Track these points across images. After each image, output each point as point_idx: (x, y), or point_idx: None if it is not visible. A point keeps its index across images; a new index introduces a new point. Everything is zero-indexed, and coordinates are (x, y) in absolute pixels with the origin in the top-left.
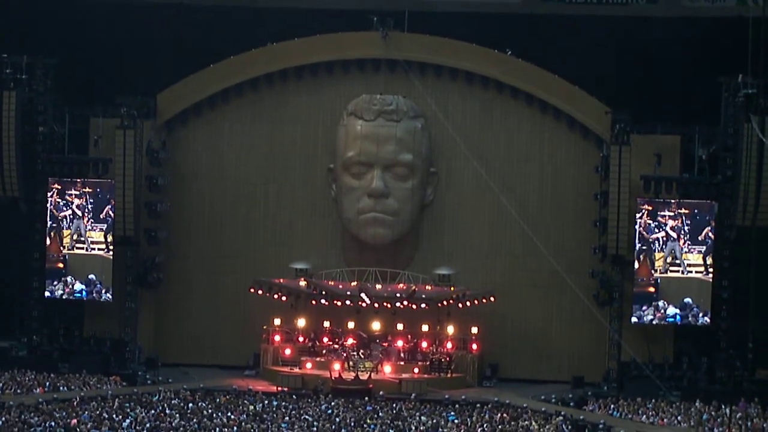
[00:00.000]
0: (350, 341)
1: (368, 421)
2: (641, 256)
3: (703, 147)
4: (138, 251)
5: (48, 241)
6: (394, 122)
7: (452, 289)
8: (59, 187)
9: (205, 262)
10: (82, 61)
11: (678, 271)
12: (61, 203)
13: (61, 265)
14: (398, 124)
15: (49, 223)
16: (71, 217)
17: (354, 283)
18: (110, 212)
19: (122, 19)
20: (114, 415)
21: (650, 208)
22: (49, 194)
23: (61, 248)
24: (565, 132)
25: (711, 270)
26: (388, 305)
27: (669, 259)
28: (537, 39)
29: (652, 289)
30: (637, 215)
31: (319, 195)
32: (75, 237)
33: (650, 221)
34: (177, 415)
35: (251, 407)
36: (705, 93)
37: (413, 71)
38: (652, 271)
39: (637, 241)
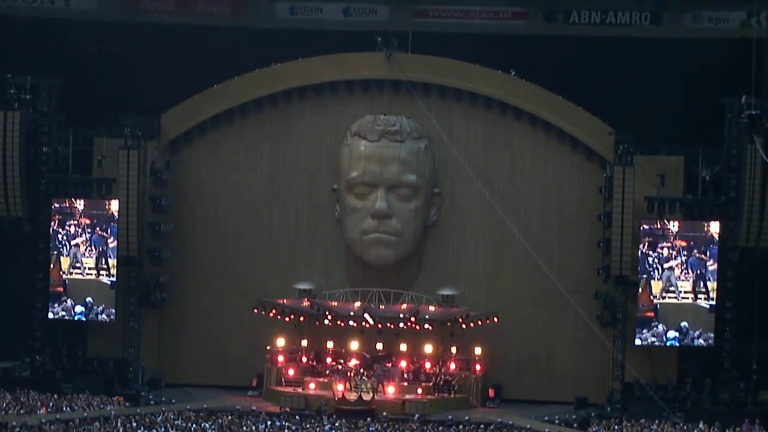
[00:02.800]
0: (353, 362)
1: None
2: (642, 283)
3: (706, 168)
4: (141, 271)
5: (51, 266)
6: (398, 143)
7: (456, 309)
8: (64, 205)
9: (209, 283)
10: (86, 82)
11: (674, 298)
12: (62, 231)
13: (60, 288)
14: (402, 144)
15: (51, 245)
16: (69, 237)
17: (357, 304)
18: (106, 234)
19: (126, 40)
20: None
21: (651, 239)
22: (52, 214)
23: (61, 273)
24: (569, 153)
25: (705, 296)
26: (392, 326)
27: (666, 286)
28: (541, 60)
29: (651, 314)
30: (640, 245)
31: (322, 215)
32: (72, 262)
33: (650, 252)
34: None
35: (254, 428)
36: (708, 114)
37: (417, 92)
38: (651, 297)
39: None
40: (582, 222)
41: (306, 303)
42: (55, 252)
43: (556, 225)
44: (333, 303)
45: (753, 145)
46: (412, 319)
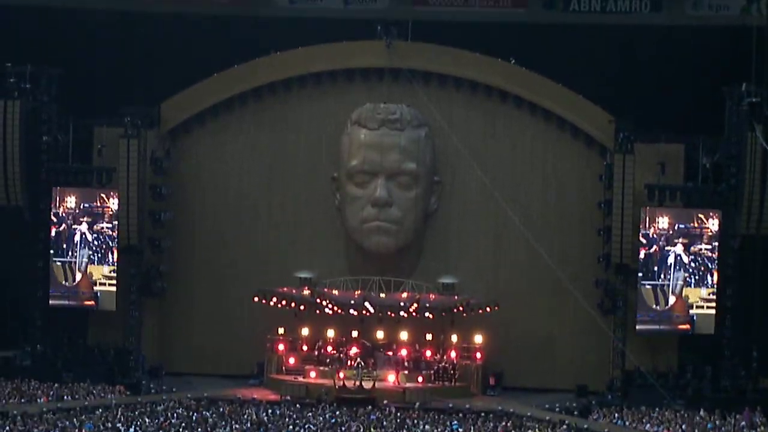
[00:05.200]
0: (354, 350)
1: (372, 430)
2: (677, 290)
3: (706, 156)
4: (142, 260)
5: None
6: (398, 131)
7: (456, 297)
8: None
9: (210, 271)
10: (85, 71)
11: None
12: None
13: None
14: (402, 133)
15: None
16: (69, 227)
17: (358, 292)
18: (106, 223)
19: (126, 28)
20: (118, 425)
21: (656, 249)
22: (52, 203)
23: (65, 283)
24: (569, 141)
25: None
26: (392, 314)
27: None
28: (541, 48)
29: (687, 326)
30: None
31: (322, 204)
32: (72, 251)
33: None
34: (181, 424)
35: (255, 416)
36: (709, 102)
37: (417, 80)
38: (687, 307)
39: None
40: (582, 210)
41: (306, 291)
42: (56, 244)
43: (556, 213)
44: (333, 291)
45: (753, 132)
46: (413, 307)
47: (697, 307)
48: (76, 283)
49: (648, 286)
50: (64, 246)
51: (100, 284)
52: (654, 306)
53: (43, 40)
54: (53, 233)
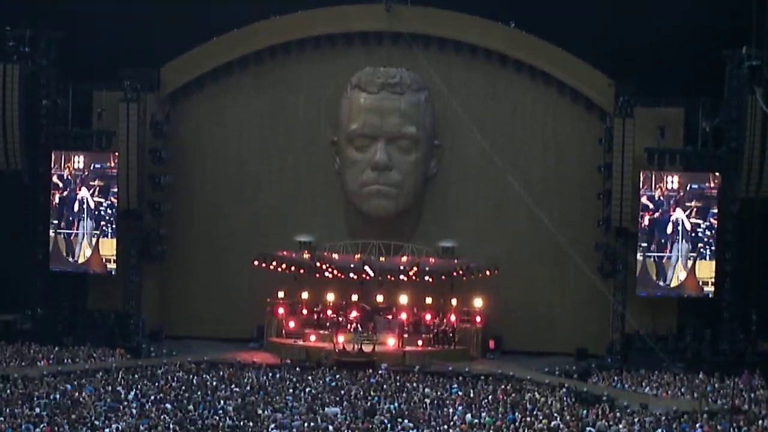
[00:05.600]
0: (354, 314)
1: (372, 393)
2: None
3: (706, 119)
4: (142, 224)
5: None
6: (398, 95)
7: (456, 261)
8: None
9: (209, 235)
10: (85, 35)
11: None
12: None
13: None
14: (402, 96)
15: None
16: (69, 190)
17: (358, 256)
18: (105, 187)
19: None
20: (118, 388)
21: (660, 213)
22: (52, 167)
23: (70, 259)
24: (569, 104)
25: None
26: (392, 278)
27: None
28: (541, 12)
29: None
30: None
31: (322, 167)
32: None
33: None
34: (181, 387)
35: (255, 380)
36: (709, 65)
37: (417, 44)
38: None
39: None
40: (582, 174)
41: (306, 255)
42: (56, 207)
43: (555, 177)
44: (333, 255)
45: (753, 96)
46: (413, 271)
47: (712, 284)
48: (87, 260)
49: (651, 259)
50: (69, 218)
51: (114, 262)
52: (656, 280)
53: (42, 3)
54: (56, 200)
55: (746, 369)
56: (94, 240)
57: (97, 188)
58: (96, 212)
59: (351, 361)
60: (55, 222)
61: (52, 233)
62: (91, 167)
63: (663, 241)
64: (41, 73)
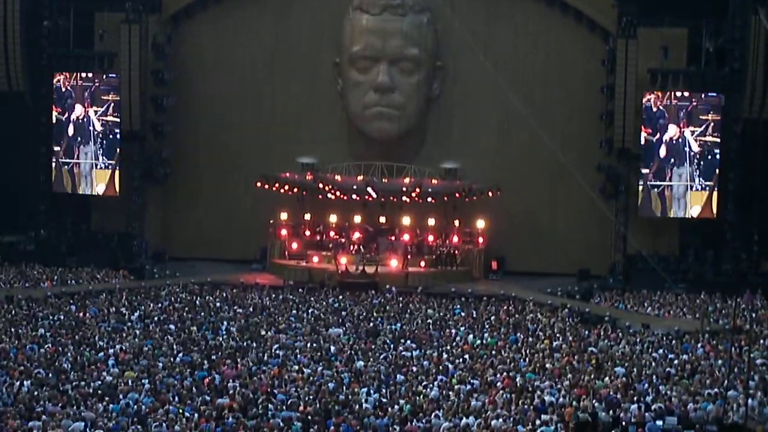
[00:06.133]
0: (357, 235)
1: (375, 314)
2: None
3: (710, 39)
4: (144, 146)
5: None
6: (400, 16)
7: (458, 182)
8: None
9: (212, 156)
10: None
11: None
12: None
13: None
14: (404, 18)
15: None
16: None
17: (360, 177)
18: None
19: None
20: (122, 309)
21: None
22: (54, 86)
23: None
24: (572, 25)
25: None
26: (395, 199)
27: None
28: None
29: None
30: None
31: (325, 89)
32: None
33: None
34: (184, 308)
35: (258, 301)
36: None
37: None
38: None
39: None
40: (585, 95)
41: (309, 177)
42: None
43: (559, 98)
44: (336, 177)
45: (757, 16)
46: (415, 192)
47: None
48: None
49: (654, 191)
50: (70, 144)
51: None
52: (659, 214)
53: None
54: (56, 123)
55: (748, 289)
56: (96, 170)
57: (99, 111)
58: (99, 135)
59: (354, 282)
60: (57, 149)
61: (53, 164)
62: (93, 88)
63: (664, 166)
64: None
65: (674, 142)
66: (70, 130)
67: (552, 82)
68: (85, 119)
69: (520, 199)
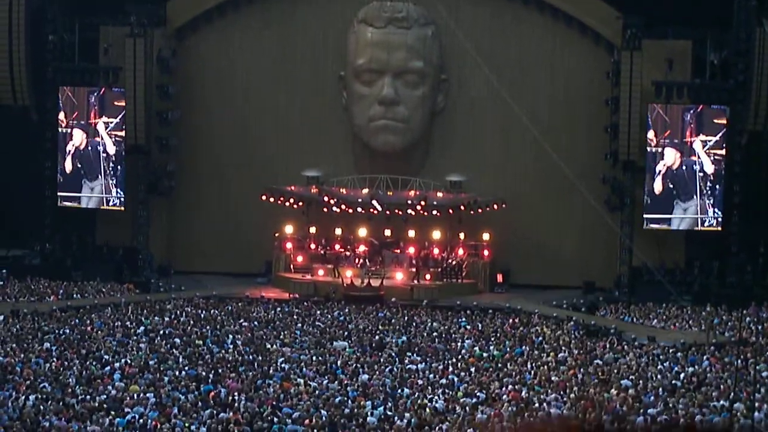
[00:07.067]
0: (362, 248)
1: (380, 327)
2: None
3: (714, 52)
4: (149, 160)
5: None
6: (405, 29)
7: (463, 195)
8: (70, 93)
9: (217, 170)
10: None
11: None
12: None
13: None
14: (409, 31)
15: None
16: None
17: (365, 190)
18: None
19: None
20: (127, 323)
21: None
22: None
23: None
24: (577, 38)
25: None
26: (400, 212)
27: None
28: None
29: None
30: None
31: (330, 102)
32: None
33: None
34: (190, 322)
35: (263, 314)
36: None
37: None
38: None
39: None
40: (589, 107)
41: (314, 190)
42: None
43: (563, 110)
44: (341, 190)
45: (761, 28)
46: (420, 205)
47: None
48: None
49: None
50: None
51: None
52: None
53: None
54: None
55: (753, 301)
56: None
57: (105, 124)
58: (111, 160)
59: (359, 295)
60: (63, 193)
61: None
62: (97, 103)
63: (661, 200)
64: (47, 8)
65: (675, 171)
66: (69, 165)
67: (557, 94)
68: (89, 147)
69: (525, 211)
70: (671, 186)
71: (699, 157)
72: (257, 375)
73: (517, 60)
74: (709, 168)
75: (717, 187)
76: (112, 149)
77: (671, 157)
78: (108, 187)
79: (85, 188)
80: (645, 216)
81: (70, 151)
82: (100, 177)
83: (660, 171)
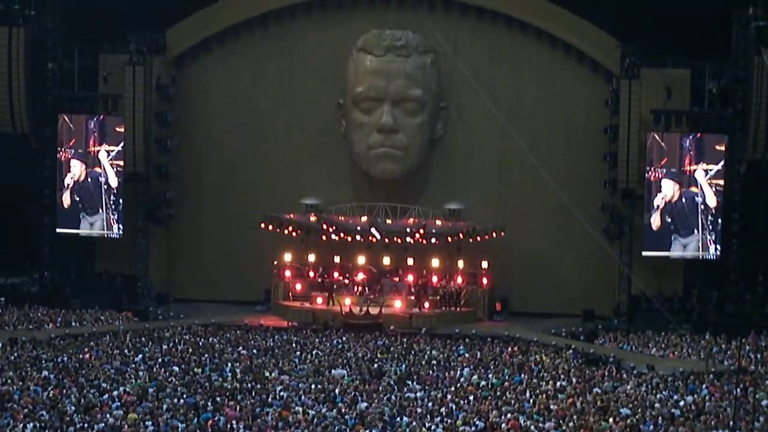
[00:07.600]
0: (361, 276)
1: (379, 355)
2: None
3: (713, 80)
4: (148, 187)
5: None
6: (404, 57)
7: (462, 223)
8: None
9: (216, 198)
10: None
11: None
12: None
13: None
14: (408, 59)
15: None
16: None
17: (364, 218)
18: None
19: None
20: (126, 350)
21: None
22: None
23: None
24: (575, 66)
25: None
26: (399, 240)
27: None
28: None
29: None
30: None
31: (329, 131)
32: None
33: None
34: (189, 350)
35: (262, 342)
36: (716, 26)
37: (422, 6)
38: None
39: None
40: (588, 135)
41: (313, 218)
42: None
43: (562, 139)
44: (340, 218)
45: (760, 57)
46: (419, 233)
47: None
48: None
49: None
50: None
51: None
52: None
53: None
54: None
55: (752, 330)
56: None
57: (107, 152)
58: (112, 194)
59: (358, 323)
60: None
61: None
62: (97, 129)
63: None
64: (47, 36)
65: (674, 204)
66: (67, 199)
67: (555, 122)
68: (88, 179)
69: (524, 239)
70: (669, 220)
71: (701, 188)
72: (256, 403)
73: (515, 88)
74: (712, 201)
75: (719, 221)
76: (114, 181)
77: (670, 189)
78: (109, 222)
79: (84, 223)
80: (643, 254)
81: (69, 184)
82: (101, 211)
83: (658, 206)
